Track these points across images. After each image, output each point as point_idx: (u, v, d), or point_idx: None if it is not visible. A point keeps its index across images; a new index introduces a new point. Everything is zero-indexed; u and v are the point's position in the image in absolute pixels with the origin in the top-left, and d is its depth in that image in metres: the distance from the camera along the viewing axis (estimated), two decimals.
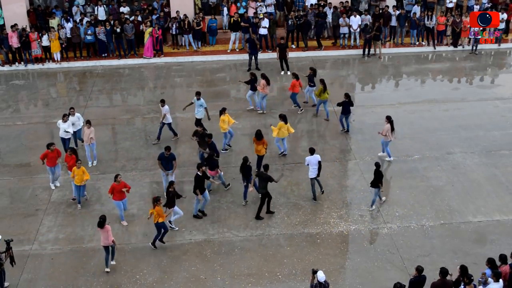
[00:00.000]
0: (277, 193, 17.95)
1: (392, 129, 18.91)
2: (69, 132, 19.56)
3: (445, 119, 22.11)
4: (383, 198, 17.42)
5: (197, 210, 16.94)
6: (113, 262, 15.25)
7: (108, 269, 15.06)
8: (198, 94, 20.62)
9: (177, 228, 16.47)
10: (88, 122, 19.18)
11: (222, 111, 19.73)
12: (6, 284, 14.77)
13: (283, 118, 19.18)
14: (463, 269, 13.06)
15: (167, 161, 17.58)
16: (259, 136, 18.25)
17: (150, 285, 14.73)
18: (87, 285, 14.75)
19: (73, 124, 19.75)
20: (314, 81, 22.47)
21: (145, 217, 16.47)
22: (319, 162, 17.35)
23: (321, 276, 12.91)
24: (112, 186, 16.36)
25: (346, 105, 20.56)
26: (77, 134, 20.10)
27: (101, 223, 14.65)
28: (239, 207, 17.43)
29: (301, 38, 28.39)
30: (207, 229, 16.44)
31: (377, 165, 16.93)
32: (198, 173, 16.58)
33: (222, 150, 19.94)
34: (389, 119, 18.91)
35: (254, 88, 22.32)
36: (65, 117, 19.54)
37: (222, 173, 18.05)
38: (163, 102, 20.45)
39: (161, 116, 20.50)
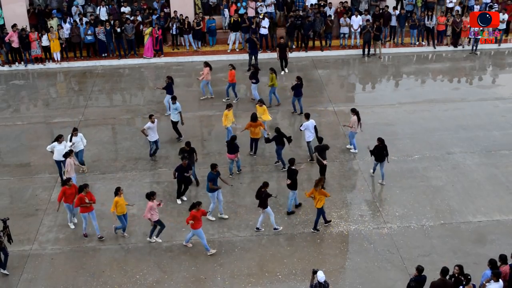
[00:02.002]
0: (277, 193, 17.96)
1: (359, 120, 19.30)
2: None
3: (445, 119, 22.12)
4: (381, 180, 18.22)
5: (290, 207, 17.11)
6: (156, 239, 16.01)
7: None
8: (174, 98, 20.41)
9: (280, 228, 16.44)
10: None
11: (228, 106, 19.96)
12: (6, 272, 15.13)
13: (261, 101, 20.38)
14: (461, 268, 13.07)
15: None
16: (254, 119, 19.01)
17: (150, 285, 14.73)
18: (87, 285, 14.75)
19: (73, 144, 18.51)
20: (257, 77, 22.92)
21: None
22: (315, 127, 18.81)
23: (321, 276, 12.92)
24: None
25: (298, 88, 21.62)
26: (79, 156, 18.78)
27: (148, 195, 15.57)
28: (239, 207, 17.44)
29: (301, 38, 28.37)
30: (207, 229, 16.43)
31: (380, 140, 17.79)
32: (292, 167, 16.80)
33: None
34: (354, 111, 19.31)
35: (171, 92, 21.81)
36: (60, 139, 18.10)
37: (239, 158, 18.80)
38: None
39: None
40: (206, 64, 23.32)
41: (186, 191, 17.74)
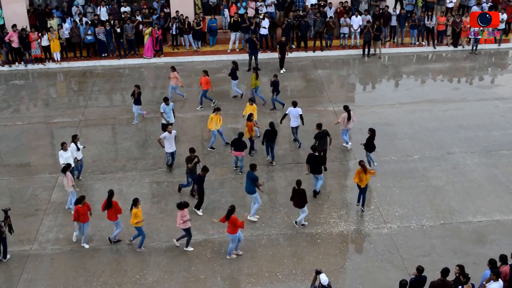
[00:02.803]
0: (277, 193, 17.98)
1: (349, 118, 19.53)
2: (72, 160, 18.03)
3: (445, 119, 22.12)
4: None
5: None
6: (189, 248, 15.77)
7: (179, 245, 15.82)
8: (166, 99, 20.40)
9: (306, 223, 16.62)
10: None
11: (216, 110, 19.80)
12: (8, 256, 15.30)
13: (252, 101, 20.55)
14: (462, 268, 13.07)
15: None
16: (248, 118, 19.31)
17: (150, 285, 14.73)
18: (87, 285, 14.74)
19: (78, 150, 18.29)
20: (236, 74, 23.17)
21: (145, 217, 16.42)
22: (300, 115, 19.73)
23: (324, 279, 12.86)
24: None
25: (276, 85, 22.16)
26: (81, 163, 18.67)
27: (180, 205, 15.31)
28: (239, 207, 17.34)
29: (299, 38, 28.34)
30: (207, 229, 16.43)
31: (372, 130, 18.36)
32: (315, 152, 17.28)
33: (209, 147, 20.28)
34: (346, 109, 19.62)
35: (139, 103, 21.73)
36: (64, 145, 17.73)
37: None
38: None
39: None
40: (173, 68, 22.98)
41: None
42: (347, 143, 20.06)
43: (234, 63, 23.47)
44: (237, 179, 18.61)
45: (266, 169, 19.19)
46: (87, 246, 15.93)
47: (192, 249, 15.74)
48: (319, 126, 18.74)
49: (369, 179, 16.78)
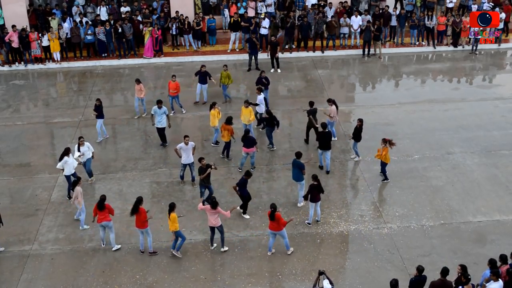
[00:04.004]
0: (277, 193, 17.99)
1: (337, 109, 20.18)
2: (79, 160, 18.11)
3: (445, 119, 22.11)
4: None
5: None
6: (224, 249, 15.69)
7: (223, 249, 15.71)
8: (159, 102, 19.90)
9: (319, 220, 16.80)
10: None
11: (212, 106, 19.78)
12: (1, 248, 15.44)
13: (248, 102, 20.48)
14: (463, 268, 13.05)
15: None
16: (228, 121, 19.04)
17: (150, 285, 14.73)
18: (87, 285, 14.75)
19: (83, 154, 18.20)
20: (205, 79, 23.00)
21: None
22: (265, 98, 21.19)
23: (327, 287, 12.89)
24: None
25: (201, 75, 22.78)
26: (86, 165, 18.45)
27: (214, 203, 15.15)
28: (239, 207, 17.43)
29: (298, 38, 28.36)
30: (207, 229, 16.41)
31: (360, 120, 19.01)
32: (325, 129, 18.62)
33: (213, 144, 20.39)
34: (332, 101, 20.12)
35: (101, 116, 20.66)
36: (69, 152, 17.51)
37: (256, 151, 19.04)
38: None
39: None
40: (138, 81, 22.00)
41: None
42: (334, 137, 20.40)
43: (203, 66, 23.03)
44: (237, 178, 18.59)
45: (266, 169, 19.19)
46: (118, 247, 15.87)
47: (227, 248, 15.77)
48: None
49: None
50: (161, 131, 20.23)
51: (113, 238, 15.78)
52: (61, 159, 17.46)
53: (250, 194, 16.97)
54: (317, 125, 19.72)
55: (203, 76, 22.86)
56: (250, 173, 16.81)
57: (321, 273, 13.02)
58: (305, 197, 16.46)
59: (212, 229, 15.62)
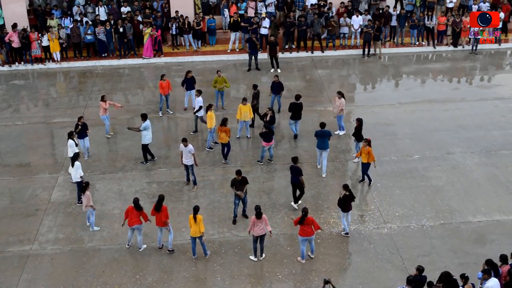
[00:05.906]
0: (277, 193, 17.98)
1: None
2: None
3: (445, 119, 22.12)
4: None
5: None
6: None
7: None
8: (144, 116, 19.28)
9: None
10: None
11: (209, 108, 19.75)
12: None
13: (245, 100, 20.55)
14: (466, 278, 13.04)
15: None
16: (223, 123, 18.97)
17: (150, 285, 14.73)
18: (87, 285, 14.75)
19: (76, 145, 18.36)
20: (193, 85, 22.44)
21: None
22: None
23: None
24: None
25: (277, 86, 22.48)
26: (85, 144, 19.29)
27: (259, 213, 14.88)
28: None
29: (297, 38, 28.33)
30: (207, 229, 16.40)
31: (359, 120, 19.06)
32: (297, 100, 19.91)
33: (208, 148, 20.19)
34: (343, 95, 20.51)
35: (84, 135, 19.60)
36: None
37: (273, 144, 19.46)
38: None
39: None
40: (102, 98, 20.90)
41: (301, 196, 17.27)
42: (342, 129, 20.76)
43: (189, 71, 22.57)
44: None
45: (266, 169, 19.19)
46: (144, 246, 15.88)
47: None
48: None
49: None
50: (145, 147, 19.45)
51: (140, 240, 15.76)
52: (73, 164, 17.27)
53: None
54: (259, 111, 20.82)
55: (190, 82, 22.47)
56: (297, 158, 17.15)
57: (326, 281, 12.97)
58: (339, 205, 16.01)
59: (256, 239, 15.19)
